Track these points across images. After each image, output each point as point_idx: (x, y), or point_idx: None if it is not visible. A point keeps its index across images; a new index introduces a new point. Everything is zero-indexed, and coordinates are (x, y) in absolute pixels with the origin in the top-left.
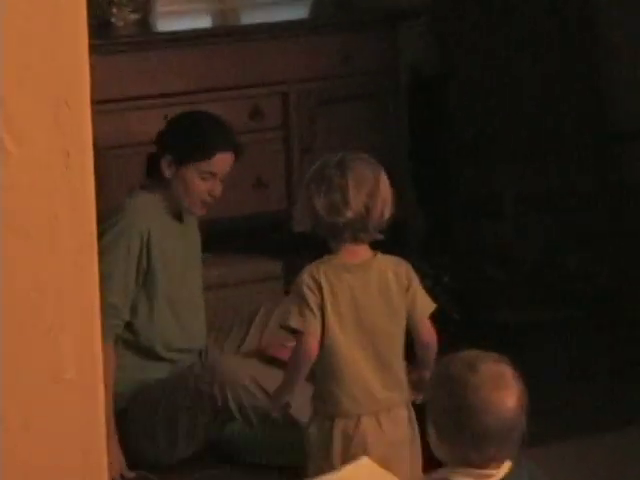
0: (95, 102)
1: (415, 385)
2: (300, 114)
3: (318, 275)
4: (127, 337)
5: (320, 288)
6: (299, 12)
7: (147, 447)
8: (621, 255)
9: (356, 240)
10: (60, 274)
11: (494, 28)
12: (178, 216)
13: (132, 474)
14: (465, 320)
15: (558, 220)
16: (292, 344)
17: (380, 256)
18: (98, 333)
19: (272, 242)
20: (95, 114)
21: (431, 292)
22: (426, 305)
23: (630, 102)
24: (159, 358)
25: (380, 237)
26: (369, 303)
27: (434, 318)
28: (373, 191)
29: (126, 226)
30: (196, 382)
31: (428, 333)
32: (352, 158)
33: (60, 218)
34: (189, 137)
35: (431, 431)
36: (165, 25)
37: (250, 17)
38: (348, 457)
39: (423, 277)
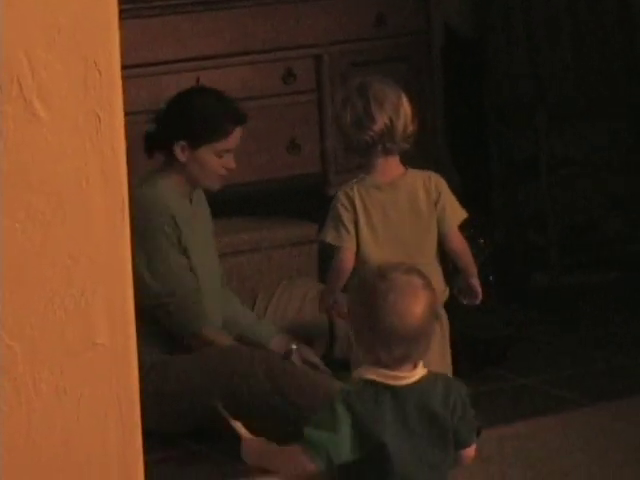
0: (128, 66)
1: (464, 291)
2: (333, 76)
3: (352, 194)
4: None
5: (354, 206)
6: None
7: (159, 409)
8: None
9: (386, 152)
10: (92, 238)
11: None
12: (189, 197)
13: None
14: (501, 283)
15: (596, 183)
16: None
17: (411, 172)
18: (130, 298)
19: (306, 205)
20: (128, 78)
21: None
22: (455, 215)
23: None
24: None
25: (407, 147)
26: (400, 218)
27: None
28: (395, 106)
29: (158, 225)
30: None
31: (456, 241)
32: (371, 80)
33: (91, 182)
34: (203, 120)
35: (350, 334)
36: None
37: None
38: None
39: None
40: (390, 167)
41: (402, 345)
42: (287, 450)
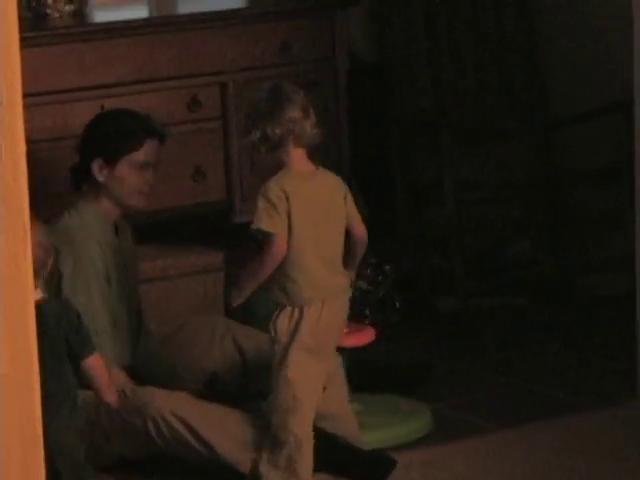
0: (32, 94)
1: None
2: (239, 104)
3: (283, 183)
4: None
5: (286, 195)
6: (236, 1)
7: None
8: (562, 242)
9: (296, 143)
10: None
11: (433, 14)
12: (115, 226)
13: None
14: (407, 308)
15: (501, 207)
16: (346, 330)
17: (321, 169)
18: (33, 328)
19: (212, 233)
20: (32, 106)
21: (373, 280)
22: (355, 209)
23: (566, 88)
24: None
25: (315, 142)
26: (323, 207)
27: (376, 306)
28: (304, 106)
29: (85, 258)
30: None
31: (362, 231)
32: (283, 83)
33: None
34: (114, 133)
35: None
36: (101, 16)
37: (186, 7)
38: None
39: (365, 265)
40: (303, 160)
41: None
42: None
